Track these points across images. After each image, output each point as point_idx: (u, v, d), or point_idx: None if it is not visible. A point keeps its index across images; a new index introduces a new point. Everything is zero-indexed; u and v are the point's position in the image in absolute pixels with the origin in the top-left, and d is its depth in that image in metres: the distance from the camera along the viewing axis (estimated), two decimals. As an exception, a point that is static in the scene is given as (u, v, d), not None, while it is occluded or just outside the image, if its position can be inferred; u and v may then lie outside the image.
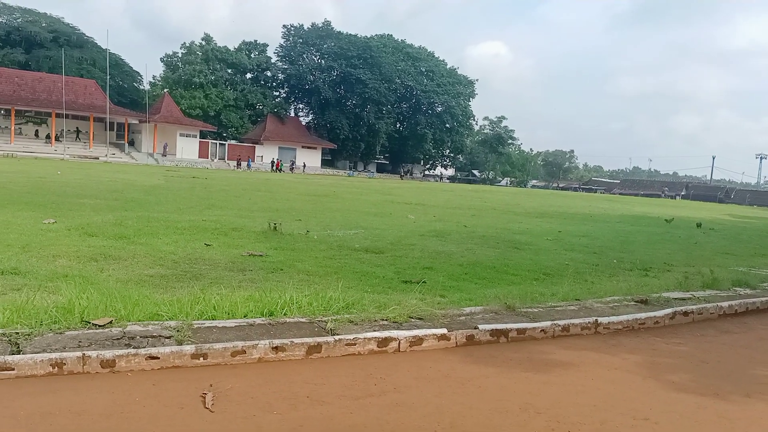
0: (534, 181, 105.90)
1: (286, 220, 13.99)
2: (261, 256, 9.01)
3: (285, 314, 5.55)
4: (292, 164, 72.25)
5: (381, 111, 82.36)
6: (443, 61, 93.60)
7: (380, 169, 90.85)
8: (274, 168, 68.36)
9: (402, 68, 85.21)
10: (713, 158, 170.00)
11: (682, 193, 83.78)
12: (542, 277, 9.26)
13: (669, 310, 7.18)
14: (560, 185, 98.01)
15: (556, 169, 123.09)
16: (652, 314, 6.98)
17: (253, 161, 70.87)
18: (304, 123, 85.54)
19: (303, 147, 78.94)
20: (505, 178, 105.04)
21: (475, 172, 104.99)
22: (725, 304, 7.95)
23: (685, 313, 7.32)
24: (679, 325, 7.10)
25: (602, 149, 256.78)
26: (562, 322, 6.30)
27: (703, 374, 5.38)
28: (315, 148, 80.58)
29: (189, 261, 8.38)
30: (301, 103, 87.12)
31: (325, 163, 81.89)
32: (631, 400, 4.57)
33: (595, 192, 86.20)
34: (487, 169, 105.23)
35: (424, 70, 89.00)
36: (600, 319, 6.54)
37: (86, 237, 9.93)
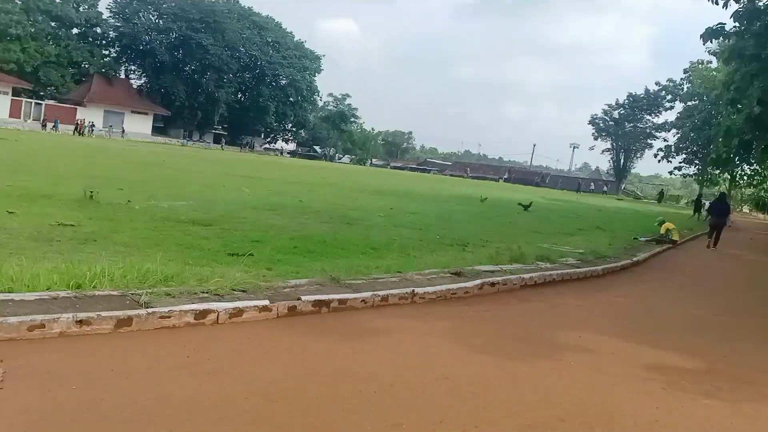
0: (374, 160, 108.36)
1: (107, 188, 13.07)
2: (72, 226, 8.36)
3: (94, 287, 5.23)
4: (110, 128, 64.22)
5: (222, 79, 79.08)
6: (290, 33, 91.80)
7: (218, 140, 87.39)
8: (77, 131, 58.94)
9: (247, 36, 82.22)
10: (534, 146, 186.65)
11: (505, 177, 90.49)
12: (370, 251, 9.60)
13: (478, 281, 7.83)
14: (397, 165, 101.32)
15: (395, 149, 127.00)
16: (463, 285, 7.56)
17: (61, 122, 63.13)
18: (135, 86, 79.67)
19: (132, 112, 73.50)
20: (346, 156, 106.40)
21: (317, 148, 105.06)
22: (527, 276, 8.83)
23: (492, 284, 8.02)
24: (487, 295, 7.77)
25: (439, 132, 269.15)
26: (381, 293, 6.62)
27: (501, 337, 5.96)
28: (146, 114, 75.37)
29: (-14, 230, 7.56)
30: (134, 65, 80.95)
31: (157, 130, 77.06)
32: (436, 361, 4.95)
33: (429, 173, 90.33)
34: (329, 145, 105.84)
35: (270, 40, 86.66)
36: (417, 290, 6.96)
37: None
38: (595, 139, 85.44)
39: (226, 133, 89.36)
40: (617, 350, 5.94)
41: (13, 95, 62.63)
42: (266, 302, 5.64)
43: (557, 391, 4.57)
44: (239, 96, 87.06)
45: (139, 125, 72.79)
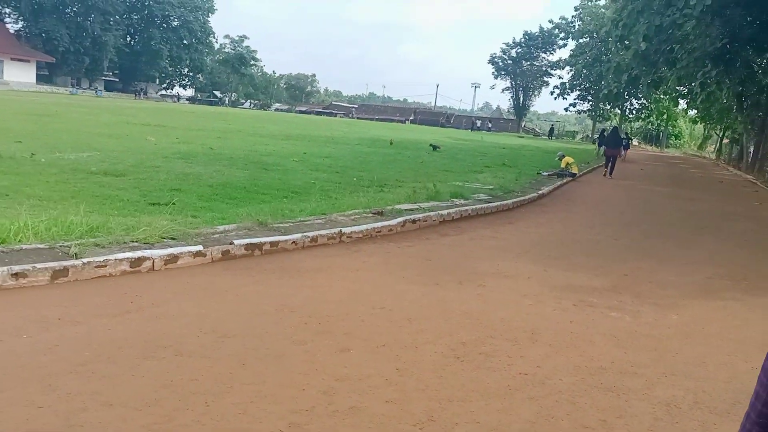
0: (277, 105, 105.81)
1: (2, 142, 12.27)
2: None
3: (20, 241, 5.11)
4: None
5: (108, 21, 73.74)
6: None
7: (110, 87, 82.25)
8: None
9: (131, -26, 76.91)
10: (437, 86, 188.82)
11: (411, 118, 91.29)
12: (291, 195, 9.71)
13: (400, 219, 8.17)
14: (302, 109, 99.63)
15: (298, 93, 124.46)
16: (386, 223, 7.88)
17: None
18: (12, 31, 72.99)
19: (12, 59, 67.52)
20: (248, 101, 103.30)
21: (217, 93, 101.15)
22: (445, 212, 9.27)
23: (414, 221, 8.40)
24: (409, 232, 8.15)
25: (342, 75, 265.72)
26: (311, 234, 6.81)
27: (427, 269, 6.35)
28: (28, 61, 69.56)
29: None
30: (8, 7, 73.80)
31: (42, 79, 71.42)
32: (371, 294, 5.26)
33: (336, 116, 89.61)
34: (230, 90, 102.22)
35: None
36: (344, 230, 7.21)
37: None
38: (495, 78, 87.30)
39: (118, 80, 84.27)
40: (532, 274, 6.49)
41: None
42: (200, 248, 5.71)
43: (484, 313, 5.01)
44: (129, 40, 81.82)
45: (21, 74, 67.10)
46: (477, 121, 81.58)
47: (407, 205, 9.55)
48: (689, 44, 21.72)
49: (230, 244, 6.00)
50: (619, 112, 59.20)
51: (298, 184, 10.82)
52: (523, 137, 64.12)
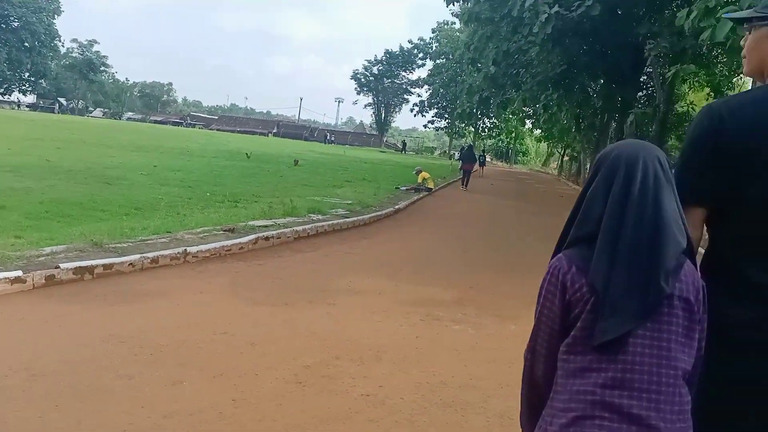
0: (130, 114, 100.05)
1: None
2: None
3: None
4: None
5: (-69, 18, 66.14)
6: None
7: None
8: None
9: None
10: (301, 99, 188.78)
11: (274, 131, 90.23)
12: (134, 212, 9.10)
13: (252, 236, 7.91)
14: (158, 119, 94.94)
15: (153, 102, 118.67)
16: (237, 241, 7.59)
17: None
18: None
19: None
20: (98, 109, 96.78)
21: (62, 100, 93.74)
22: (300, 228, 9.13)
23: (266, 238, 8.17)
24: (261, 249, 7.91)
25: (201, 84, 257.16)
26: (151, 255, 6.37)
27: (277, 288, 6.16)
28: None
29: None
30: None
31: None
32: (214, 318, 4.98)
33: (194, 127, 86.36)
34: (77, 98, 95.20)
35: (-7, -26, 74.15)
36: (189, 249, 6.83)
37: None
38: (358, 93, 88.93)
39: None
40: (383, 290, 6.52)
41: None
42: (19, 273, 5.13)
43: (332, 333, 4.92)
44: (-42, 39, 73.75)
45: None
46: (328, 135, 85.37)
47: (262, 221, 9.30)
48: (533, 69, 23.41)
49: (56, 267, 5.44)
50: (473, 129, 62.40)
51: (143, 200, 10.17)
52: (384, 152, 65.58)
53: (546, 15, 15.98)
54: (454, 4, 18.46)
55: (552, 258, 1.50)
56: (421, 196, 17.88)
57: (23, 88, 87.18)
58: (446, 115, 70.86)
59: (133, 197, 10.41)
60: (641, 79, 25.02)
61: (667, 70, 16.82)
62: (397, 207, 13.93)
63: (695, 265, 1.44)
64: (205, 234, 7.86)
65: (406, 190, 18.60)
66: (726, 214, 1.61)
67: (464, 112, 38.04)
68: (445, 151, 76.35)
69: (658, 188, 1.37)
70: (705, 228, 1.68)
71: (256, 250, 7.82)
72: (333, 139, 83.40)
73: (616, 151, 1.45)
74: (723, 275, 1.60)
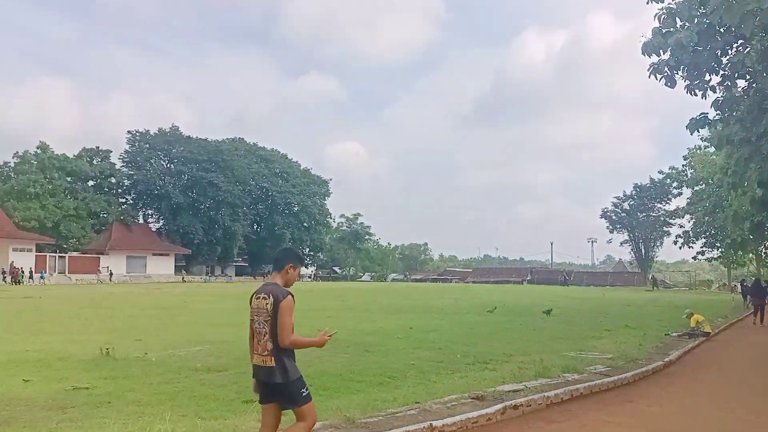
0: (393, 275, 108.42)
1: (124, 341, 13.12)
2: (86, 389, 8.29)
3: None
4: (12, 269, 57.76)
5: (236, 213, 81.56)
6: (296, 162, 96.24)
7: (239, 271, 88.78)
8: (11, 279, 55.86)
9: (256, 170, 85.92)
10: (552, 244, 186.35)
11: (528, 278, 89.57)
12: (387, 381, 9.36)
13: (500, 406, 7.53)
14: (417, 277, 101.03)
15: (412, 262, 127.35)
16: (483, 412, 7.28)
17: (86, 272, 65.76)
18: (154, 229, 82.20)
19: (154, 254, 75.44)
20: (366, 273, 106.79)
21: (336, 268, 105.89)
22: (551, 393, 8.49)
23: (515, 407, 7.71)
24: (510, 420, 7.45)
25: (455, 239, 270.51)
26: (397, 431, 6.38)
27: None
28: (167, 255, 77.30)
29: (0, 404, 7.51)
30: (151, 209, 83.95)
31: (179, 269, 78.49)
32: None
33: (451, 282, 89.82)
34: (348, 265, 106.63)
35: (278, 171, 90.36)
36: (434, 423, 6.70)
37: None
38: (611, 231, 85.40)
39: (246, 265, 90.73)
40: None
41: (36, 251, 64.58)
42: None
43: None
44: (255, 227, 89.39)
45: (161, 266, 74.53)
46: (566, 276, 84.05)
47: (511, 385, 8.89)
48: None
49: (311, 449, 5.69)
50: (752, 256, 54.92)
51: (396, 367, 10.47)
52: (651, 291, 60.43)
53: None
54: (699, 131, 17.10)
55: None
56: (696, 342, 15.73)
57: (305, 261, 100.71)
58: (717, 244, 63.64)
59: (387, 364, 10.79)
60: None
61: None
62: (667, 359, 12.35)
63: None
64: (453, 403, 7.70)
65: (679, 336, 16.58)
66: None
67: (735, 242, 33.84)
68: (725, 284, 67.72)
69: None
70: None
71: (504, 420, 7.40)
72: (571, 279, 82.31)
73: None
74: None
